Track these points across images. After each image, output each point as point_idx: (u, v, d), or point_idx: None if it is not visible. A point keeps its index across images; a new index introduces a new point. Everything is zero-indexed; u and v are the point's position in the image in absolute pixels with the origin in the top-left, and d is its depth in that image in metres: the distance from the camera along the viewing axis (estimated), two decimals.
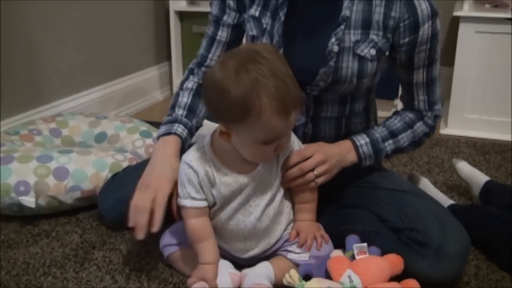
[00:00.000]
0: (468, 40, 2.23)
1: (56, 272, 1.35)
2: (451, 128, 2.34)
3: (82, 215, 1.61)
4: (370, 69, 1.30)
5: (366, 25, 1.28)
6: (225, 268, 1.24)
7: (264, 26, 1.34)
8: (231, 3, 1.38)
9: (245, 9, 1.38)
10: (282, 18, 1.30)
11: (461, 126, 2.32)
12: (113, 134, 1.91)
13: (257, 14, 1.35)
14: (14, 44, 1.98)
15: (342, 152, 1.33)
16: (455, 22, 2.40)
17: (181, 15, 2.88)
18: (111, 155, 1.67)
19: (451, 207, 1.50)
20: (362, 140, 1.35)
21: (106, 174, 1.61)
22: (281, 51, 1.31)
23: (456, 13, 2.25)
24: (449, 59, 2.61)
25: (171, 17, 2.83)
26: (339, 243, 1.30)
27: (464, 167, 1.69)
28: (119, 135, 1.90)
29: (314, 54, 1.29)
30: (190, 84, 1.45)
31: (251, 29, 1.37)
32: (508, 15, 2.18)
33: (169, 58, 2.94)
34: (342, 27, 1.27)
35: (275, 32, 1.31)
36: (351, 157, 1.34)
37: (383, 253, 1.25)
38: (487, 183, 1.59)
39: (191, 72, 1.47)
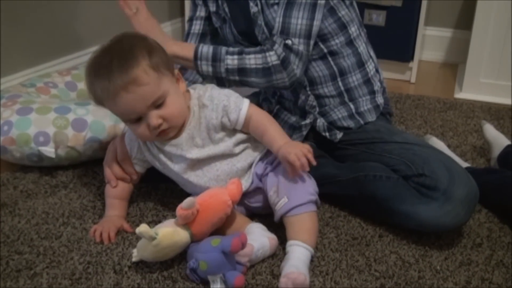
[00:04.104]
0: (487, 4, 2.19)
1: (75, 222, 1.38)
2: (466, 92, 2.32)
3: (99, 168, 1.62)
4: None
5: None
6: (263, 232, 1.26)
7: (222, 15, 1.54)
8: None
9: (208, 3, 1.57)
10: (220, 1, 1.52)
11: (476, 90, 2.30)
12: None
13: (214, 9, 1.55)
14: None
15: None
16: None
17: None
18: None
19: (466, 169, 1.51)
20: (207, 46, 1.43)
21: (123, 125, 1.61)
22: (232, 25, 1.53)
23: None
24: (466, 23, 2.58)
25: None
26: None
27: (491, 128, 1.71)
28: None
29: (246, 19, 1.48)
30: None
31: (215, 23, 1.57)
32: None
33: (182, 14, 2.90)
34: None
35: (225, 15, 1.53)
36: (176, 49, 1.41)
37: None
38: (508, 146, 1.59)
39: None
